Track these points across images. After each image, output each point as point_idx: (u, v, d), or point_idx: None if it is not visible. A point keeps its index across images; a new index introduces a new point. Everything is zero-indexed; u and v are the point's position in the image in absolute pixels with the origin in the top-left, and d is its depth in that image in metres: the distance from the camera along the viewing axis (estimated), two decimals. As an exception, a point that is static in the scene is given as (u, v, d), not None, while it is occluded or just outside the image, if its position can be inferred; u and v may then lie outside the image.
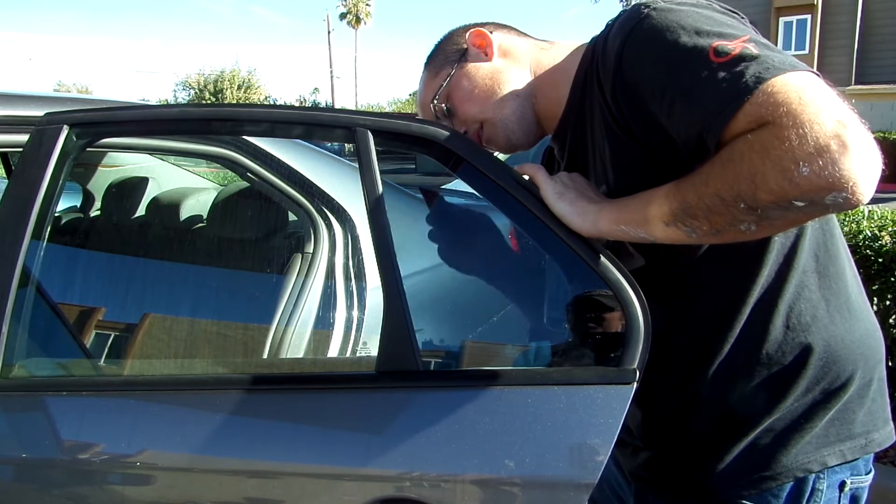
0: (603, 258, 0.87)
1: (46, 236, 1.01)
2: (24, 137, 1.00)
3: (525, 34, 1.07)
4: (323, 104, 40.22)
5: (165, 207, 1.96)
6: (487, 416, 0.87)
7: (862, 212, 2.68)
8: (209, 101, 31.20)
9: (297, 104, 7.63)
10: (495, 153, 1.01)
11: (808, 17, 19.51)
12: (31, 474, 0.98)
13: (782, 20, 19.81)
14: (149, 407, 0.96)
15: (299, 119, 1.00)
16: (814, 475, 0.89)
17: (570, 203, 0.87)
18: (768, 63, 0.70)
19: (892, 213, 2.64)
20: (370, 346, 1.45)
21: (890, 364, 2.45)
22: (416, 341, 0.89)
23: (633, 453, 1.03)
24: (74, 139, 0.99)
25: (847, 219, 2.64)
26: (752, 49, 0.73)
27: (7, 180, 1.48)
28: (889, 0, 18.97)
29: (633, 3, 0.85)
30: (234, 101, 32.59)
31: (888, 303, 2.49)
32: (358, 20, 39.99)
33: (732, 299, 0.88)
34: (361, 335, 1.47)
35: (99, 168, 2.29)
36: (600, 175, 0.93)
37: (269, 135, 1.32)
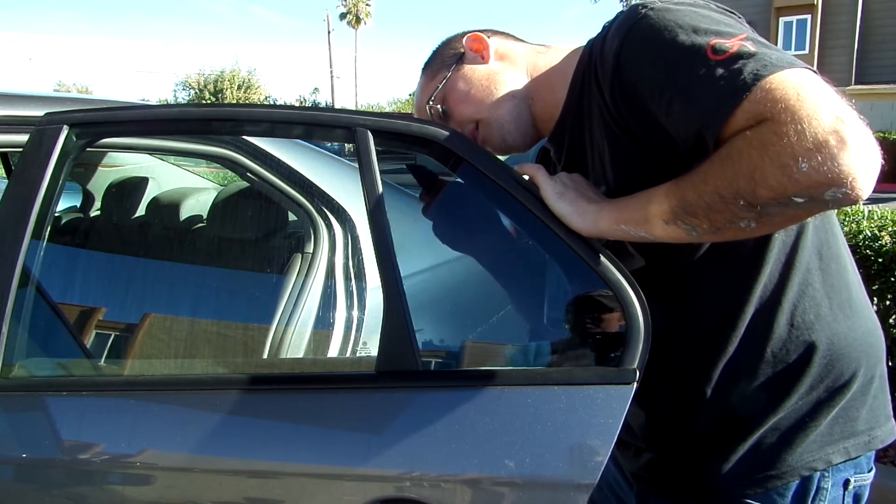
0: (603, 258, 0.87)
1: (46, 236, 1.01)
2: (24, 137, 1.00)
3: (521, 39, 1.08)
4: (323, 104, 40.22)
5: (165, 207, 1.96)
6: (487, 416, 0.87)
7: (862, 212, 2.68)
8: (209, 101, 31.21)
9: (297, 104, 7.62)
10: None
11: (808, 17, 19.51)
12: (31, 474, 0.98)
13: (782, 20, 19.81)
14: (149, 407, 0.95)
15: (299, 119, 1.00)
16: (819, 473, 0.89)
17: (570, 203, 0.87)
18: (766, 60, 0.71)
19: (892, 213, 2.64)
20: (370, 346, 1.45)
21: (890, 364, 2.45)
22: (416, 341, 0.89)
23: (635, 454, 1.03)
24: (74, 139, 0.99)
25: (847, 219, 2.64)
26: (750, 47, 0.73)
27: (7, 180, 1.48)
28: (889, 0, 18.96)
29: (632, 3, 0.85)
30: (234, 101, 32.59)
31: (888, 303, 2.49)
32: (358, 20, 40.00)
33: (734, 298, 0.88)
34: (361, 335, 1.47)
35: (99, 168, 2.29)
36: (599, 175, 0.93)
37: (269, 135, 1.32)
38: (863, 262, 2.43)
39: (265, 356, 1.44)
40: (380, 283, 0.90)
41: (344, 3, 40.13)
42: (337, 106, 31.43)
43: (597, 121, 0.90)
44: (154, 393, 0.96)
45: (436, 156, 0.95)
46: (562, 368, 0.92)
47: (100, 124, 1.02)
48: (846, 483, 0.91)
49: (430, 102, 1.04)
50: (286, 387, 0.97)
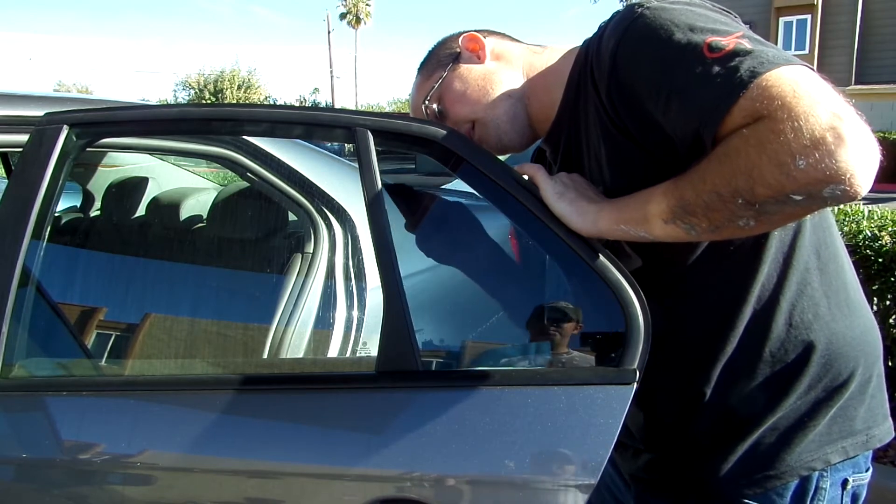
0: (603, 258, 0.87)
1: (46, 236, 1.01)
2: (24, 137, 1.00)
3: (517, 39, 1.08)
4: (323, 104, 40.21)
5: (165, 207, 1.96)
6: (487, 416, 0.87)
7: (862, 212, 2.68)
8: (209, 101, 31.20)
9: (297, 104, 7.62)
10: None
11: (808, 17, 19.51)
12: (31, 474, 0.98)
13: (782, 20, 19.81)
14: (149, 407, 0.96)
15: (299, 119, 1.00)
16: (817, 473, 0.89)
17: (570, 203, 0.87)
18: (762, 57, 0.71)
19: (892, 213, 2.64)
20: (370, 346, 1.45)
21: (890, 364, 2.45)
22: (416, 341, 0.89)
23: (633, 456, 1.03)
24: (74, 139, 0.99)
25: (847, 219, 2.64)
26: (746, 44, 0.73)
27: (7, 180, 1.48)
28: (889, 0, 18.96)
29: (629, 2, 0.85)
30: (234, 101, 32.58)
31: (888, 303, 2.49)
32: (358, 20, 39.99)
33: (733, 298, 0.88)
34: (361, 335, 1.47)
35: (99, 168, 2.29)
36: (596, 175, 0.93)
37: (269, 135, 1.32)
38: (863, 262, 2.43)
39: (265, 356, 1.44)
40: (380, 283, 0.90)
41: (344, 3, 40.13)
42: (337, 106, 31.44)
43: (593, 121, 0.90)
44: (154, 393, 0.96)
45: (436, 156, 0.95)
46: (562, 368, 0.92)
47: (100, 124, 1.02)
48: (844, 483, 0.91)
49: (427, 102, 1.04)
50: (286, 387, 0.97)
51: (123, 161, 2.32)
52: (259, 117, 1.02)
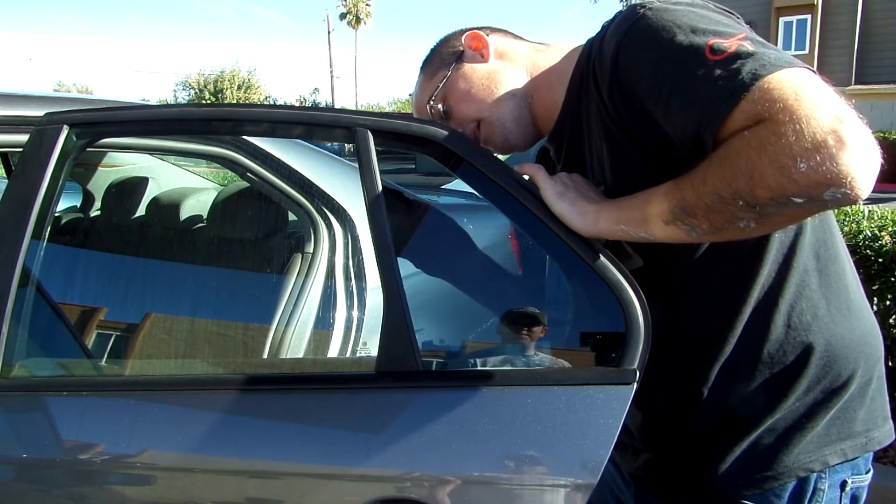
0: (603, 258, 0.87)
1: (46, 236, 1.01)
2: (24, 137, 1.00)
3: (521, 37, 1.07)
4: (323, 104, 40.21)
5: (165, 207, 1.96)
6: (487, 416, 0.87)
7: (862, 212, 2.68)
8: (209, 101, 31.19)
9: (297, 104, 7.62)
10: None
11: (808, 17, 19.51)
12: (31, 474, 0.98)
13: (782, 20, 19.81)
14: (149, 407, 0.95)
15: (299, 119, 1.00)
16: (816, 475, 0.89)
17: (570, 203, 0.87)
18: (764, 60, 0.70)
19: (892, 213, 2.64)
20: (370, 346, 1.45)
21: (890, 364, 2.45)
22: (416, 341, 0.89)
23: (633, 455, 1.03)
24: (74, 139, 0.99)
25: (847, 219, 2.64)
26: (748, 46, 0.73)
27: (7, 180, 1.48)
28: (889, 0, 18.96)
29: (631, 3, 0.85)
30: (234, 101, 32.58)
31: (888, 303, 2.49)
32: (358, 20, 39.99)
33: (732, 299, 0.88)
34: (361, 335, 1.47)
35: (99, 168, 2.29)
36: (598, 175, 0.93)
37: (269, 135, 1.32)
38: (863, 262, 2.43)
39: (265, 356, 1.44)
40: (380, 283, 0.90)
41: (344, 3, 40.12)
42: (337, 106, 31.43)
43: (595, 121, 0.90)
44: (154, 393, 0.96)
45: (436, 156, 0.95)
46: (562, 368, 0.92)
47: (100, 124, 1.02)
48: (843, 484, 0.91)
49: (431, 102, 1.03)
50: (286, 387, 0.97)
51: (123, 161, 2.32)
52: (259, 117, 1.02)
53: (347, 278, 1.55)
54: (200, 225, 1.94)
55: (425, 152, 0.96)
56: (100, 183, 2.25)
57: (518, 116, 1.01)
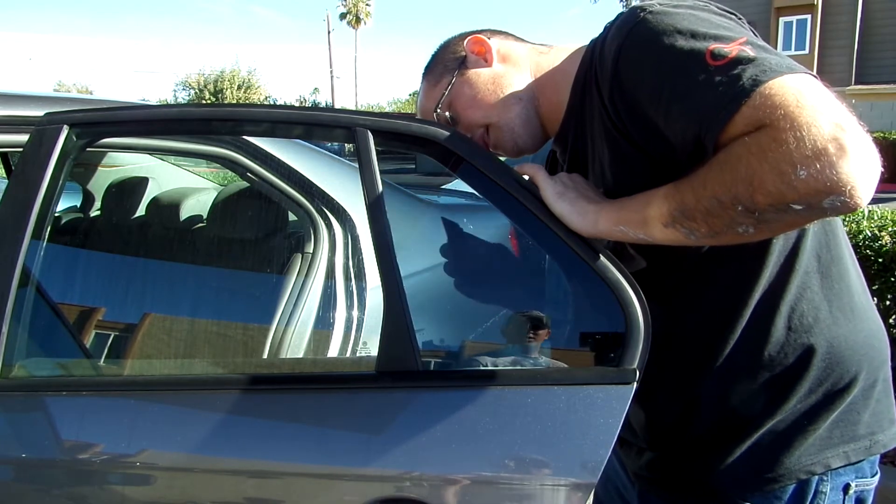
0: (603, 258, 0.87)
1: (46, 236, 1.01)
2: (24, 137, 1.00)
3: (522, 39, 1.07)
4: (323, 104, 40.21)
5: (165, 207, 1.96)
6: (487, 416, 0.87)
7: (862, 212, 2.68)
8: (209, 101, 31.20)
9: (297, 104, 7.63)
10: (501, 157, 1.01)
11: (808, 17, 19.51)
12: (31, 474, 0.98)
13: (782, 20, 19.81)
14: (149, 407, 0.95)
15: (299, 119, 1.00)
16: (817, 477, 0.88)
17: (570, 203, 0.87)
18: (765, 65, 0.70)
19: (892, 213, 2.64)
20: (370, 346, 1.45)
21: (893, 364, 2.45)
22: (416, 341, 0.89)
23: (637, 454, 1.03)
24: (74, 139, 0.99)
25: (847, 219, 2.64)
26: (749, 51, 0.72)
27: (7, 180, 1.48)
28: (889, 0, 18.96)
29: (632, 3, 0.85)
30: (234, 101, 32.58)
31: (888, 303, 2.49)
32: (358, 20, 39.99)
33: (734, 300, 0.88)
34: (361, 335, 1.47)
35: (99, 168, 2.29)
36: (599, 177, 0.93)
37: (269, 135, 1.32)
38: (863, 263, 2.42)
39: (265, 356, 1.44)
40: (380, 283, 0.90)
41: (344, 3, 40.12)
42: (337, 106, 31.43)
43: (597, 122, 0.90)
44: (154, 393, 0.96)
45: (436, 156, 0.95)
46: (562, 368, 0.92)
47: (100, 124, 1.02)
48: (846, 487, 0.90)
49: (438, 109, 1.03)
50: (286, 387, 0.97)
51: (123, 161, 2.32)
52: (259, 117, 1.02)
53: (347, 278, 1.55)
54: (200, 225, 1.94)
55: (425, 152, 0.96)
56: (100, 183, 2.25)
57: (526, 120, 1.01)
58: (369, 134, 0.93)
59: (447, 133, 0.93)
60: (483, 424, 0.87)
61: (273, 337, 1.45)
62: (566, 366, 0.93)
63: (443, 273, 1.09)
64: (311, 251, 1.57)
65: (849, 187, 0.64)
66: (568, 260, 0.91)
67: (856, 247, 2.45)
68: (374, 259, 0.90)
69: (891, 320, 2.52)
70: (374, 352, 0.91)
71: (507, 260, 1.17)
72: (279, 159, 1.53)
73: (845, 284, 0.91)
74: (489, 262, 1.14)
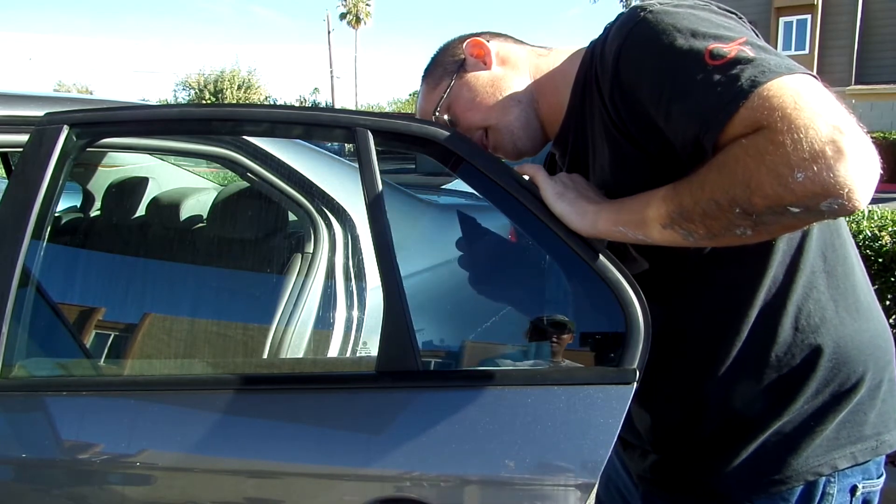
0: (603, 258, 0.87)
1: (46, 236, 1.01)
2: (24, 137, 1.00)
3: (521, 41, 1.07)
4: (323, 104, 40.22)
5: (165, 207, 1.96)
6: (487, 416, 0.87)
7: (862, 212, 2.68)
8: (209, 101, 31.19)
9: (297, 104, 7.63)
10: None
11: (808, 17, 19.51)
12: (31, 474, 0.98)
13: (782, 20, 19.80)
14: (149, 407, 0.96)
15: (299, 119, 1.00)
16: (824, 479, 0.88)
17: (569, 203, 0.87)
18: (764, 66, 0.70)
19: (892, 213, 2.65)
20: (370, 346, 1.45)
21: None
22: (416, 341, 0.89)
23: (641, 456, 1.02)
24: (74, 139, 0.99)
25: (847, 219, 2.63)
26: (749, 52, 0.72)
27: (7, 180, 1.48)
28: (889, 0, 18.96)
29: (632, 3, 0.85)
30: (234, 101, 32.58)
31: (888, 303, 2.49)
32: (358, 20, 39.98)
33: (738, 300, 0.88)
34: (361, 335, 1.47)
35: (99, 168, 2.29)
36: (599, 177, 0.93)
37: (269, 135, 1.32)
38: (863, 263, 2.44)
39: (265, 356, 1.44)
40: (380, 283, 0.90)
41: (344, 3, 40.12)
42: (337, 106, 31.44)
43: (598, 123, 0.89)
44: (154, 393, 0.96)
45: (436, 156, 0.95)
46: (562, 368, 0.92)
47: (100, 124, 1.02)
48: (853, 489, 0.89)
49: (437, 112, 1.03)
50: (286, 387, 0.97)
51: (123, 161, 2.32)
52: (259, 117, 1.02)
53: (347, 278, 1.55)
54: (200, 225, 1.94)
55: (425, 152, 0.96)
56: (100, 183, 2.25)
57: (526, 122, 1.00)
58: (369, 134, 0.93)
59: (447, 133, 0.93)
60: (483, 424, 0.87)
61: (273, 337, 1.45)
62: (566, 366, 0.93)
63: (443, 273, 1.09)
64: (311, 251, 1.57)
65: (846, 190, 0.63)
66: (568, 260, 0.91)
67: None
68: (374, 259, 0.90)
69: (891, 320, 2.53)
70: (374, 352, 0.91)
71: (512, 258, 1.17)
72: (279, 159, 1.53)
73: (851, 284, 0.90)
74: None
